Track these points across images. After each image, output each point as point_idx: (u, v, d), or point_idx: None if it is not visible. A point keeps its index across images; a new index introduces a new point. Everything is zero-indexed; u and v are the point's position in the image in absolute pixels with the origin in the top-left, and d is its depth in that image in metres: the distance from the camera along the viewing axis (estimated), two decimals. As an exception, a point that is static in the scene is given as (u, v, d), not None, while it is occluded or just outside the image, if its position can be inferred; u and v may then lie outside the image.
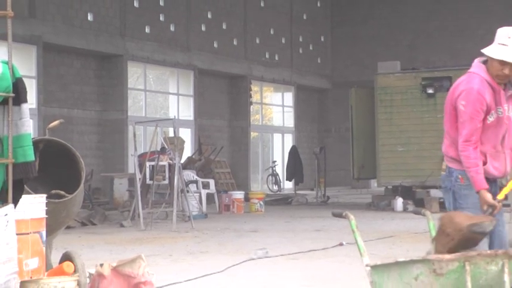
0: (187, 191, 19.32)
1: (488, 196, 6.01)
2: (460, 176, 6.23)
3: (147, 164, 18.93)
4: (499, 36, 6.16)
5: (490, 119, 6.13)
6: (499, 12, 37.41)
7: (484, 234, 5.70)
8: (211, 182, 23.53)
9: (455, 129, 6.19)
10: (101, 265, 6.79)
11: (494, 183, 6.26)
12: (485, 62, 6.22)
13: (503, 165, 6.23)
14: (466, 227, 5.59)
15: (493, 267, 5.14)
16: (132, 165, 21.12)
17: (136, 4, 27.11)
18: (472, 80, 6.14)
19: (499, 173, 6.22)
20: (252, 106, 33.63)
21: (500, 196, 6.06)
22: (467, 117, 6.05)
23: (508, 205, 14.53)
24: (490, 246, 6.08)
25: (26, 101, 5.18)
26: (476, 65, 6.26)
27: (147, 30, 27.64)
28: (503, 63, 6.07)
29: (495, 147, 6.19)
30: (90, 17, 25.17)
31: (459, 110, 6.10)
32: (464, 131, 6.06)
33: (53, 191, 7.99)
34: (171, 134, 23.62)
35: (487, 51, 6.15)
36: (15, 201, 5.08)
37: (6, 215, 4.92)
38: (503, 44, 6.07)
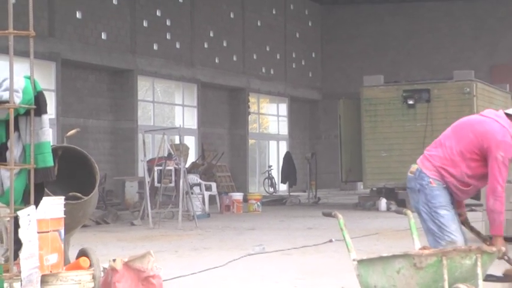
0: (192, 193, 19.32)
1: (502, 243, 6.03)
2: (431, 180, 6.27)
3: (155, 168, 18.93)
4: None
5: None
6: (469, 33, 37.60)
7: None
8: (213, 184, 23.51)
9: (461, 156, 6.19)
10: (114, 260, 6.79)
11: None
12: (508, 117, 6.22)
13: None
14: None
15: (467, 261, 5.16)
16: (141, 170, 21.10)
17: (145, 24, 27.12)
18: (507, 136, 6.12)
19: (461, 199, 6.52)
20: (249, 116, 33.62)
21: None
22: (504, 167, 6.07)
23: (480, 205, 14.52)
24: None
25: (46, 112, 5.18)
26: (506, 122, 6.21)
27: (155, 47, 27.64)
28: None
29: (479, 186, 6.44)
30: (103, 36, 25.17)
31: (495, 158, 6.07)
32: (501, 177, 6.05)
33: (71, 193, 8.00)
34: (177, 142, 23.63)
35: None
36: (37, 203, 5.08)
37: (28, 215, 4.92)
38: None
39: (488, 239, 6.28)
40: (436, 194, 6.25)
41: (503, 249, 5.86)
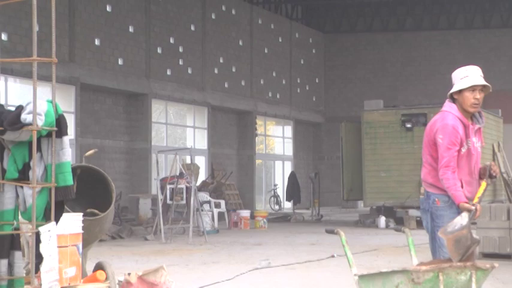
0: (202, 210, 19.30)
1: (467, 205, 6.02)
2: (436, 199, 6.25)
3: (168, 186, 18.93)
4: (458, 75, 6.33)
5: (463, 150, 6.19)
6: (463, 61, 37.53)
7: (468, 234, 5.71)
8: (222, 202, 23.49)
9: (433, 159, 6.23)
10: (129, 274, 6.78)
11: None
12: (454, 102, 6.28)
13: (475, 189, 6.25)
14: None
15: (462, 277, 5.14)
16: (155, 188, 21.10)
17: (159, 50, 27.21)
18: (447, 117, 6.22)
19: (471, 196, 6.25)
20: (257, 137, 33.63)
21: (475, 200, 6.10)
22: (445, 148, 6.11)
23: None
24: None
25: (66, 133, 5.19)
26: (448, 105, 6.34)
27: (168, 72, 27.71)
28: (473, 89, 6.21)
29: (470, 174, 6.25)
30: (120, 62, 25.25)
31: (438, 143, 6.17)
32: (443, 159, 6.11)
33: (88, 210, 7.99)
34: (188, 161, 23.64)
35: (457, 87, 6.25)
36: (57, 219, 5.08)
37: (49, 230, 4.92)
38: (465, 77, 6.24)
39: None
40: (440, 214, 6.23)
41: (472, 207, 5.92)
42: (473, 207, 5.97)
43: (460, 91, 6.23)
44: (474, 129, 6.27)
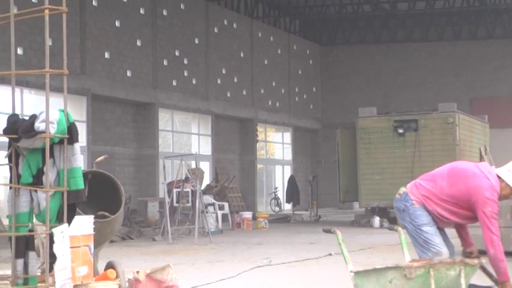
0: (207, 212, 19.28)
1: (510, 285, 5.93)
2: (414, 202, 6.25)
3: (174, 190, 18.92)
4: None
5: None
6: (451, 70, 37.76)
7: None
8: (226, 204, 23.46)
9: (449, 197, 6.12)
10: (138, 272, 6.77)
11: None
12: (498, 176, 6.14)
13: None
14: None
15: (452, 272, 5.13)
16: (162, 191, 21.09)
17: (165, 63, 27.23)
18: (495, 194, 6.03)
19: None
20: (257, 143, 33.62)
21: None
22: (494, 220, 5.95)
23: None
24: None
25: (77, 141, 5.19)
26: (495, 180, 6.11)
27: (174, 83, 27.73)
28: None
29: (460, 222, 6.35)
30: (128, 73, 25.27)
31: (483, 211, 5.96)
32: (494, 229, 5.92)
33: (99, 213, 7.98)
34: (193, 166, 23.63)
35: (511, 181, 6.10)
36: (69, 221, 5.08)
37: (62, 232, 4.91)
38: None
39: (498, 282, 6.10)
40: (418, 213, 6.23)
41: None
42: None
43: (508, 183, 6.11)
44: None
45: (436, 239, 6.16)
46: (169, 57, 27.44)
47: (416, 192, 6.25)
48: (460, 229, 6.45)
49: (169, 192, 18.70)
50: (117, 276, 6.75)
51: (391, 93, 38.10)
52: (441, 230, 6.34)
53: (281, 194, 34.28)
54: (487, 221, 5.94)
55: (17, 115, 5.20)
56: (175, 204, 18.89)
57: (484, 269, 6.07)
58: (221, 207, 22.52)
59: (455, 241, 6.53)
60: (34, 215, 5.11)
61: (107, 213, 8.05)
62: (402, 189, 6.38)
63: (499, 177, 6.12)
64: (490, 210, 5.96)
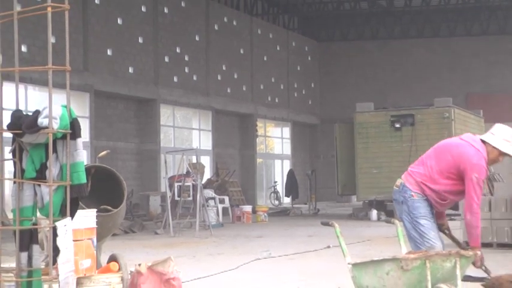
0: (207, 206, 19.29)
1: (480, 252, 6.01)
2: (413, 194, 6.25)
3: (176, 184, 18.92)
4: (502, 133, 6.16)
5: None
6: (447, 66, 37.75)
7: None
8: (226, 198, 23.48)
9: (441, 174, 6.15)
10: (139, 265, 6.77)
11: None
12: (483, 142, 6.17)
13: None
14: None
15: (447, 264, 5.13)
16: (163, 186, 21.09)
17: (166, 59, 27.21)
18: (482, 159, 6.07)
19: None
20: (257, 138, 33.62)
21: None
22: (478, 187, 6.03)
23: (459, 214, 14.45)
24: None
25: (80, 136, 5.18)
26: (481, 146, 6.15)
27: (175, 79, 27.71)
28: (504, 154, 6.14)
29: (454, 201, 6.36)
30: (130, 70, 25.25)
31: (470, 179, 6.03)
32: (475, 196, 6.02)
33: (102, 206, 7.98)
34: (194, 161, 23.62)
35: (496, 143, 6.13)
36: (72, 215, 5.07)
37: (65, 225, 4.91)
38: (507, 141, 6.11)
39: (466, 246, 6.24)
40: (417, 205, 6.23)
41: (479, 253, 5.87)
42: (479, 253, 5.97)
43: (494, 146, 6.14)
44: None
45: (432, 233, 6.16)
46: (171, 54, 27.42)
47: (412, 180, 6.26)
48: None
49: (171, 186, 18.71)
50: (119, 269, 6.76)
51: (388, 89, 38.08)
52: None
53: (280, 188, 34.29)
54: (471, 188, 6.02)
55: (20, 111, 5.19)
56: (176, 198, 18.89)
57: (449, 234, 6.20)
58: (222, 201, 22.53)
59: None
60: (38, 209, 5.11)
61: (109, 207, 8.05)
62: (399, 181, 6.39)
63: (484, 143, 6.16)
64: (476, 177, 6.01)
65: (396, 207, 6.44)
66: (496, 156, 6.16)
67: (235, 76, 31.97)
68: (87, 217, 6.52)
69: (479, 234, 6.07)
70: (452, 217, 17.03)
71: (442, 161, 6.18)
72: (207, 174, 27.71)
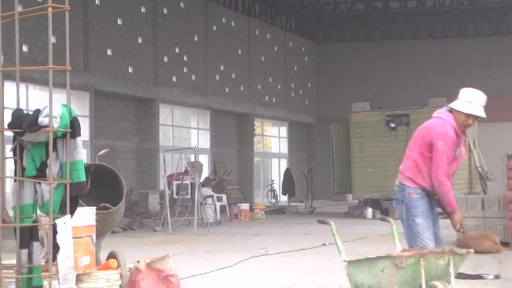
0: (205, 204, 19.28)
1: (459, 214, 6.14)
2: (411, 192, 6.26)
3: (174, 182, 18.91)
4: (465, 96, 6.21)
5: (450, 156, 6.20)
6: (441, 66, 37.77)
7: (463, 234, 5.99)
8: (224, 196, 23.46)
9: (421, 157, 6.19)
10: (138, 262, 6.77)
11: (434, 198, 6.31)
12: (450, 111, 6.22)
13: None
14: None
15: (441, 261, 5.13)
16: (162, 184, 21.08)
17: (165, 59, 27.20)
18: (447, 126, 6.14)
19: None
20: (255, 137, 33.62)
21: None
22: (444, 155, 6.08)
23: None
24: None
25: (80, 135, 5.18)
26: (446, 114, 6.23)
27: (174, 79, 27.70)
28: (468, 115, 6.16)
29: (448, 177, 6.25)
30: (130, 70, 25.24)
31: (436, 148, 6.09)
32: (441, 165, 6.07)
33: (102, 204, 7.97)
34: (193, 160, 23.62)
35: (457, 106, 6.18)
36: (72, 212, 5.07)
37: (65, 223, 4.91)
38: (469, 102, 6.16)
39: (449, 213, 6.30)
40: (414, 204, 6.23)
41: (459, 215, 6.09)
42: (459, 214, 6.10)
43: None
44: (463, 140, 6.28)
45: (426, 233, 6.17)
46: (170, 54, 27.41)
47: (405, 177, 6.29)
48: None
49: (170, 184, 18.70)
50: (118, 266, 6.76)
51: (384, 89, 38.10)
52: (435, 222, 6.32)
53: (277, 187, 34.29)
54: (438, 157, 6.07)
55: (21, 110, 5.19)
56: (175, 196, 18.88)
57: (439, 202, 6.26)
58: (219, 199, 22.52)
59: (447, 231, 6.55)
60: (38, 207, 5.11)
61: (108, 205, 8.04)
62: (397, 181, 6.41)
63: (450, 111, 6.21)
64: (441, 144, 6.07)
65: (397, 206, 6.45)
66: (463, 119, 6.18)
67: (233, 76, 31.97)
68: (86, 215, 6.52)
69: (452, 199, 6.12)
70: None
71: (417, 145, 6.26)
72: (205, 173, 27.70)
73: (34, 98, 20.84)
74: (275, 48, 36.03)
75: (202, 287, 8.57)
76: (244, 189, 30.99)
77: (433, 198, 6.28)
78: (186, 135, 30.94)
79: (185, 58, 28.41)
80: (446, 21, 38.51)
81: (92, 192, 6.75)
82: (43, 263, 5.25)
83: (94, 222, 6.65)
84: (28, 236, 5.04)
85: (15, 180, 5.11)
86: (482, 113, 6.18)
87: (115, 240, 14.42)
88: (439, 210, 6.42)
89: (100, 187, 8.01)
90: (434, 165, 6.09)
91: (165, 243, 14.36)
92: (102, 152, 10.18)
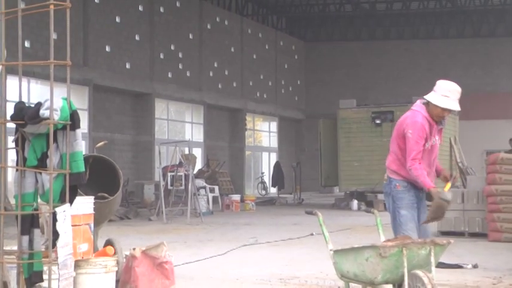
0: (198, 194, 19.28)
1: (436, 189, 6.09)
2: (397, 184, 6.27)
3: (169, 174, 18.91)
4: (441, 89, 6.21)
5: (427, 145, 6.20)
6: (425, 66, 37.85)
7: (448, 202, 5.97)
8: (216, 187, 23.47)
9: (400, 150, 6.23)
10: (134, 249, 6.77)
11: (422, 191, 6.31)
12: (425, 104, 6.25)
13: (432, 178, 6.29)
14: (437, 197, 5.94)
15: (423, 251, 5.16)
16: (157, 175, 21.07)
17: (161, 56, 27.15)
18: (417, 116, 6.19)
19: None
20: (246, 132, 33.62)
21: (446, 188, 6.19)
22: (414, 142, 6.10)
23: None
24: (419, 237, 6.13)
25: (79, 127, 5.16)
26: (419, 106, 6.28)
27: (169, 75, 27.65)
28: (444, 109, 6.16)
29: (429, 166, 6.26)
30: (128, 66, 25.18)
31: (407, 137, 6.14)
32: (412, 152, 6.10)
33: (99, 194, 7.95)
34: (187, 152, 23.60)
35: (434, 100, 6.20)
36: (71, 201, 5.06)
37: (64, 211, 4.90)
38: (445, 96, 6.16)
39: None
40: (400, 196, 6.26)
41: (437, 190, 6.05)
42: (439, 189, 6.06)
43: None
44: (437, 129, 6.29)
45: (409, 224, 6.19)
46: (166, 51, 27.36)
47: (391, 171, 6.32)
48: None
49: (164, 176, 18.69)
50: (115, 253, 6.75)
51: (370, 87, 38.16)
52: (422, 214, 6.33)
53: (267, 179, 34.31)
54: (408, 145, 6.11)
55: (23, 102, 5.17)
56: (169, 187, 18.88)
57: (455, 178, 6.39)
58: (212, 190, 22.53)
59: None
60: (38, 195, 5.10)
61: (106, 195, 8.03)
62: (386, 175, 6.44)
63: (425, 104, 6.24)
64: (411, 132, 6.11)
65: (386, 199, 6.47)
66: (439, 112, 6.21)
67: (226, 73, 31.94)
68: (85, 204, 6.51)
69: (426, 179, 6.10)
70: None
71: (395, 138, 6.31)
72: (199, 165, 27.69)
73: (36, 91, 20.78)
74: (266, 47, 36.01)
75: (195, 273, 8.58)
76: (235, 181, 31.00)
77: (421, 191, 6.29)
78: (180, 129, 30.92)
79: (180, 55, 28.36)
80: (430, 23, 38.60)
81: (90, 183, 6.73)
82: (43, 249, 5.24)
83: (92, 211, 6.64)
84: (29, 223, 5.03)
85: (17, 170, 5.10)
86: (457, 107, 6.19)
87: (112, 228, 14.40)
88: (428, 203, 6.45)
89: (98, 178, 7.98)
90: (406, 153, 6.13)
91: (160, 232, 14.36)
92: (100, 144, 10.15)
